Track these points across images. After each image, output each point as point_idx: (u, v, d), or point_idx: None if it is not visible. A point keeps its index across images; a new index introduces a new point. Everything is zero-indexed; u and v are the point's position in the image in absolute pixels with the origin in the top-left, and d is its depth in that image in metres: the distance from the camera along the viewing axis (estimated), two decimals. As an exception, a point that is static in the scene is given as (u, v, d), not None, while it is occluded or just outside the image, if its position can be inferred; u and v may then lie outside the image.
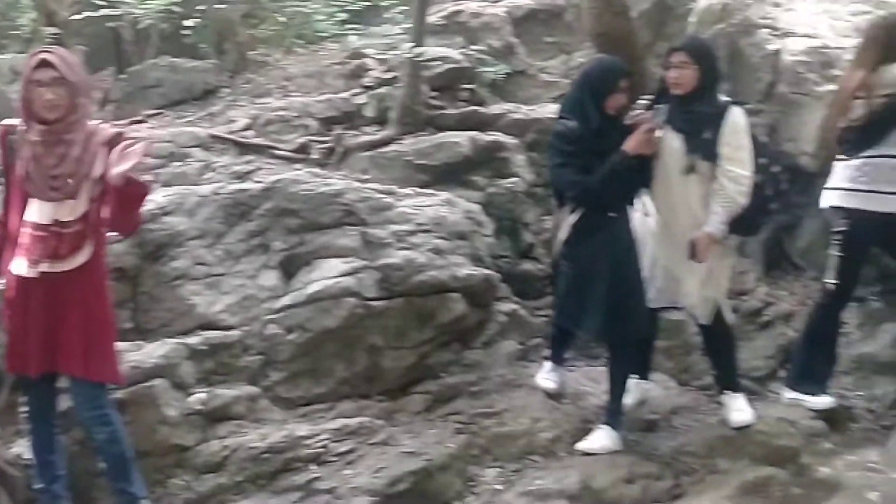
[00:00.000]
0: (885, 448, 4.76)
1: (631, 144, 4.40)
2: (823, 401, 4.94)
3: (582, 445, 4.57)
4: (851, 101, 4.79)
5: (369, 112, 6.56)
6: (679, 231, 4.53)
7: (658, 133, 4.47)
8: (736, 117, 4.44)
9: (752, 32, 6.42)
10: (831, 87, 6.04)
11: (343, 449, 4.43)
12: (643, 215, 4.67)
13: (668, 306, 4.84)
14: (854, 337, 5.62)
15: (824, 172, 5.86)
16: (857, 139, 4.78)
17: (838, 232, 4.88)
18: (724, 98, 4.55)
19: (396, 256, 5.07)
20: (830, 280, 4.94)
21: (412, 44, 6.35)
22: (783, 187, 4.62)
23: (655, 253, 4.66)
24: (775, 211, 4.73)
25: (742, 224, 4.54)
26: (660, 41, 6.06)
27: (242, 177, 5.70)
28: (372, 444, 4.50)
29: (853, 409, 5.22)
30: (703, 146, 4.43)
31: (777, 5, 7.34)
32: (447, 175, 6.05)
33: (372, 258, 5.05)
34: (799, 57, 6.19)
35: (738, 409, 4.71)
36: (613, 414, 4.61)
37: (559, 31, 7.38)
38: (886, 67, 4.69)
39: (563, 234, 4.64)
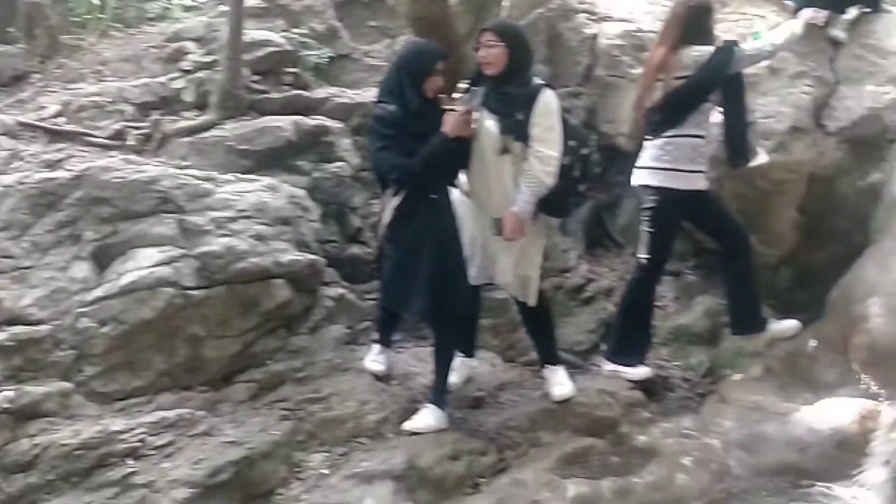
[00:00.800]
0: (699, 415, 4.99)
1: (449, 126, 4.42)
2: (641, 372, 5.13)
3: (408, 425, 4.58)
4: (654, 81, 4.99)
5: (188, 97, 6.36)
6: (494, 210, 4.59)
7: (475, 115, 4.52)
8: (547, 99, 4.50)
9: (570, 17, 6.57)
10: (645, 69, 6.30)
11: (161, 442, 4.29)
12: (462, 195, 4.71)
13: (488, 283, 4.90)
14: (670, 309, 5.87)
15: (638, 152, 6.12)
16: (659, 120, 4.99)
17: (647, 209, 5.08)
18: (536, 80, 4.61)
19: (216, 244, 4.94)
20: (643, 255, 5.13)
21: (231, 27, 6.18)
22: (593, 170, 4.75)
23: (473, 232, 4.71)
24: (584, 192, 4.84)
25: (551, 204, 4.62)
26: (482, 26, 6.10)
27: (53, 165, 5.44)
28: (192, 435, 4.37)
29: (670, 378, 5.46)
30: (516, 127, 4.48)
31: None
32: (271, 160, 5.94)
33: (190, 246, 4.90)
34: (615, 41, 6.38)
35: (560, 382, 4.83)
36: (439, 393, 4.64)
37: (382, 15, 7.36)
38: (685, 49, 4.91)
39: (386, 217, 4.64)
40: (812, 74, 5.50)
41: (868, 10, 5.89)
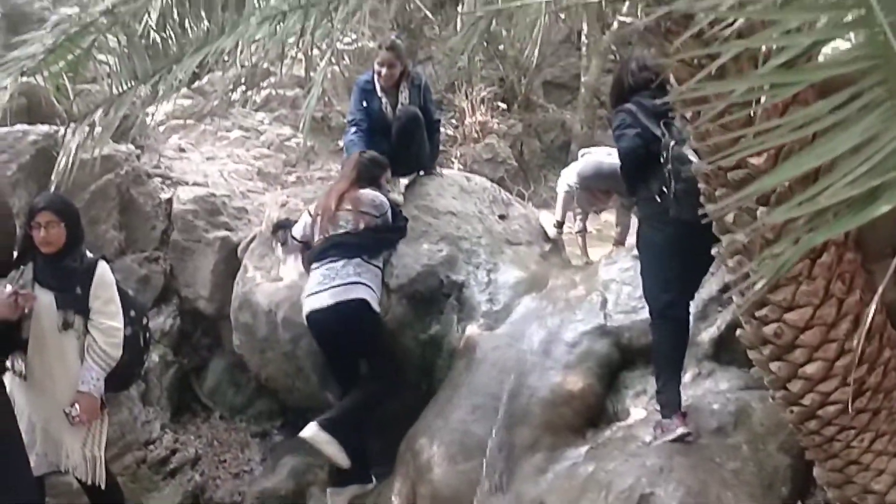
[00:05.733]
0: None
1: (-3, 309, 4.19)
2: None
3: None
4: (336, 212, 5.45)
5: None
6: (57, 391, 4.40)
7: (24, 296, 4.31)
8: (103, 271, 4.52)
9: (143, 182, 6.56)
10: (219, 233, 6.39)
11: None
12: (19, 379, 4.43)
13: (52, 472, 4.59)
14: (258, 473, 5.83)
15: (223, 315, 6.14)
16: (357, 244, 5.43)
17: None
18: (89, 253, 4.56)
19: None
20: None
21: None
22: (151, 339, 4.76)
23: (31, 417, 4.43)
24: (145, 362, 4.86)
25: (118, 378, 4.53)
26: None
27: None
28: None
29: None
30: (76, 301, 4.40)
31: (182, 151, 7.63)
32: None
33: None
34: (189, 205, 6.45)
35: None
36: None
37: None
38: (366, 190, 5.50)
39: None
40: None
41: (422, 172, 6.45)
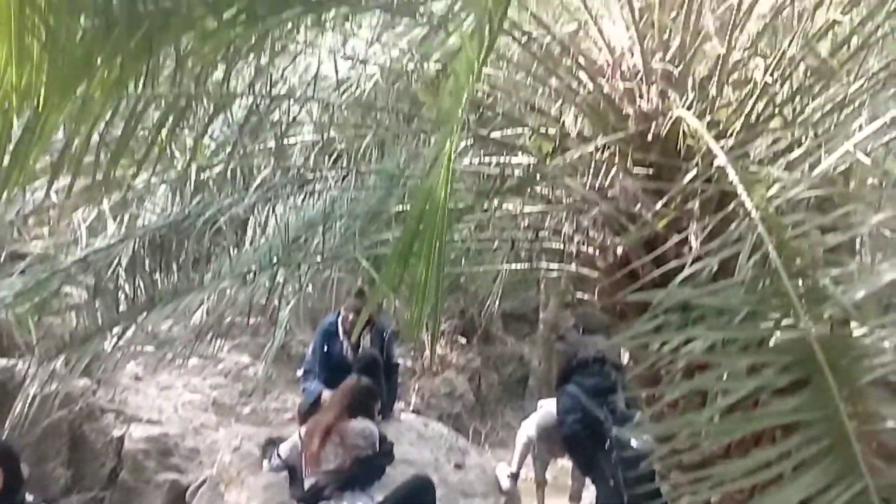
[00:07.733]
0: None
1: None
2: None
3: None
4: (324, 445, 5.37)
5: None
6: None
7: None
8: None
9: (97, 417, 6.48)
10: (169, 475, 6.27)
11: None
12: None
13: None
14: None
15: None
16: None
17: None
18: (29, 496, 4.40)
19: None
20: None
21: None
22: None
23: None
24: None
25: None
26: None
27: None
28: None
29: None
30: None
31: (138, 379, 7.57)
32: None
33: None
34: (140, 444, 6.35)
35: None
36: None
37: None
38: (357, 420, 5.43)
39: None
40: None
41: (380, 416, 6.41)
